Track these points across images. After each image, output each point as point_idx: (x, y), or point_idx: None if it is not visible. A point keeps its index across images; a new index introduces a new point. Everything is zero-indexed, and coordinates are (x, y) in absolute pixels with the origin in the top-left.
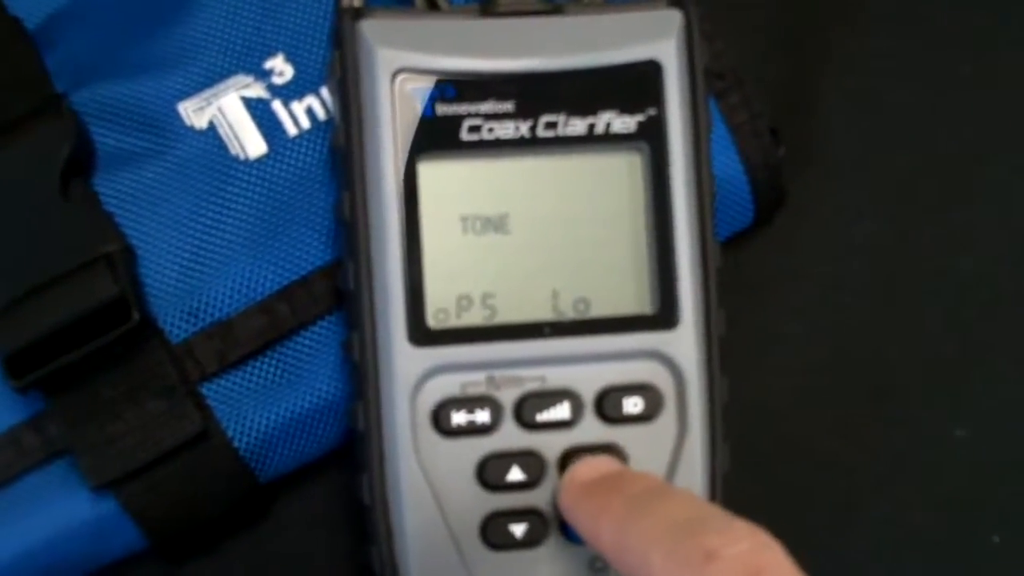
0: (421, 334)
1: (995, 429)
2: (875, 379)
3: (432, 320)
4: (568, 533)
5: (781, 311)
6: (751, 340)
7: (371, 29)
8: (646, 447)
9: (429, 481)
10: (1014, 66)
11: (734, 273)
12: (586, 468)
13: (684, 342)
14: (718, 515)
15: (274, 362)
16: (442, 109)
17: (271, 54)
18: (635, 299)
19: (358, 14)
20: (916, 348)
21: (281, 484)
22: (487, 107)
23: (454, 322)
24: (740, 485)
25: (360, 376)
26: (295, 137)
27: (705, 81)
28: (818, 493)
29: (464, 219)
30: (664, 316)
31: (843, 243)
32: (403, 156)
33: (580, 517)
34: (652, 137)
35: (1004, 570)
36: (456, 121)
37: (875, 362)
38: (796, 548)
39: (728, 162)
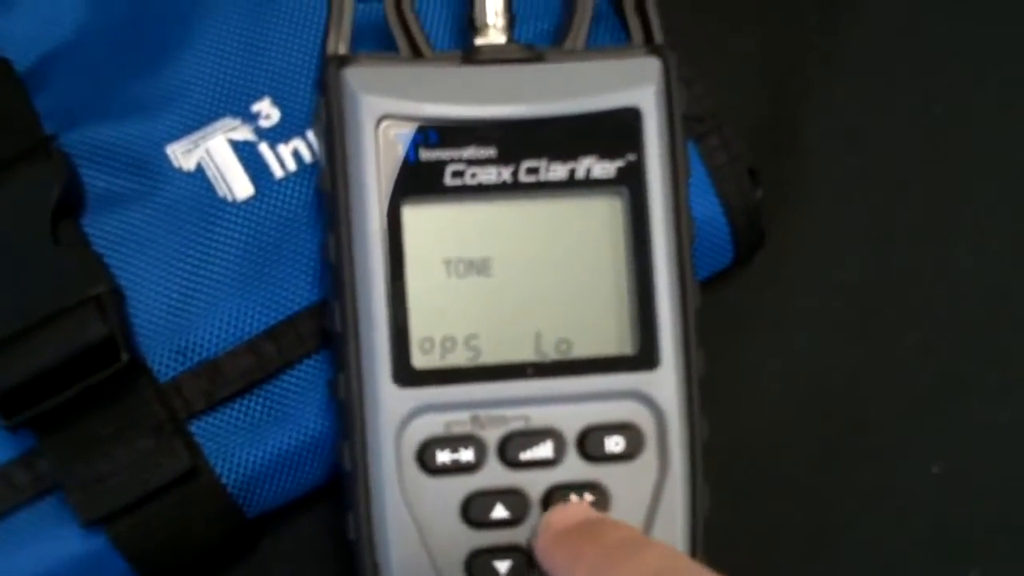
0: (406, 374)
1: (970, 464)
2: (853, 415)
3: (417, 361)
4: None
5: (760, 348)
6: (730, 377)
7: (355, 76)
8: (628, 485)
9: (414, 518)
10: (986, 105)
11: (714, 311)
12: (562, 515)
13: (664, 382)
14: (693, 568)
15: (261, 400)
16: (425, 155)
17: (258, 97)
18: (616, 340)
19: (343, 61)
20: (893, 384)
21: (269, 519)
22: (470, 153)
23: (439, 363)
24: (719, 519)
25: (346, 415)
26: (281, 179)
27: (684, 126)
28: (795, 527)
29: (448, 262)
30: (645, 357)
31: (821, 281)
32: (387, 200)
33: (555, 564)
34: (632, 182)
35: None
36: (439, 166)
37: (852, 398)
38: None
39: (707, 204)
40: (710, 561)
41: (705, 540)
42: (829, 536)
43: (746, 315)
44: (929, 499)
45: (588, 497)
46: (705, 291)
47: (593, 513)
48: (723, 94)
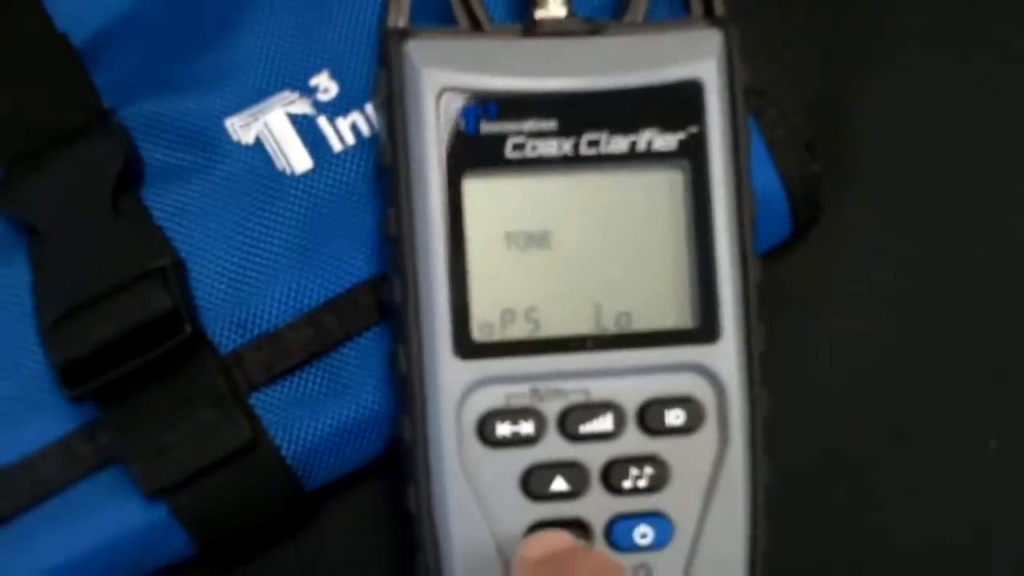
0: (466, 347)
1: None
2: (907, 391)
3: (477, 333)
4: (613, 542)
5: (813, 325)
6: (784, 353)
7: (416, 49)
8: (687, 459)
9: (474, 491)
10: None
11: (769, 287)
12: (537, 544)
13: (725, 356)
14: None
15: (321, 373)
16: (486, 127)
17: (316, 71)
18: (676, 313)
19: (404, 35)
20: (945, 363)
21: (327, 491)
22: (530, 125)
23: (498, 336)
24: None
25: (406, 388)
26: (340, 153)
27: (745, 99)
28: (850, 503)
29: (508, 235)
30: (705, 330)
31: (874, 257)
32: (448, 173)
33: None
34: (693, 154)
35: None
36: (500, 139)
37: (906, 374)
38: (818, 555)
39: (766, 177)
40: (769, 533)
41: (771, 511)
42: (885, 512)
43: (800, 291)
44: (986, 474)
45: (648, 470)
46: (764, 266)
47: (569, 542)
48: (777, 68)
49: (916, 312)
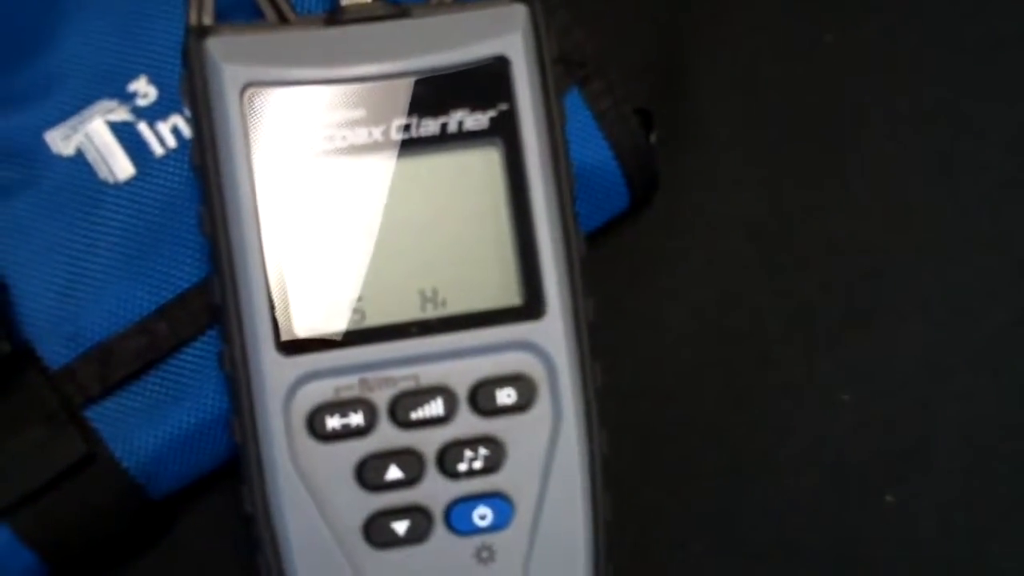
0: (289, 343)
1: (880, 391)
2: (759, 350)
3: (299, 328)
4: (453, 526)
5: (664, 290)
6: (635, 320)
7: (217, 46)
8: (523, 436)
9: (309, 486)
10: (876, 39)
11: (616, 256)
12: None
13: (552, 331)
14: None
15: (157, 381)
16: (294, 120)
17: (134, 77)
18: (501, 292)
19: (204, 32)
20: (798, 318)
21: (181, 498)
22: (339, 115)
23: (322, 329)
24: (628, 460)
25: (234, 388)
26: (162, 157)
27: (555, 72)
28: (707, 464)
29: (325, 226)
30: (531, 307)
31: (720, 221)
32: (258, 168)
33: None
34: (505, 132)
35: (898, 529)
36: (309, 130)
37: (757, 334)
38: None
39: (597, 149)
40: (619, 503)
41: (609, 482)
42: (743, 470)
43: (648, 257)
44: (840, 428)
45: (483, 450)
46: (605, 236)
47: None
48: (610, 37)
49: (763, 274)
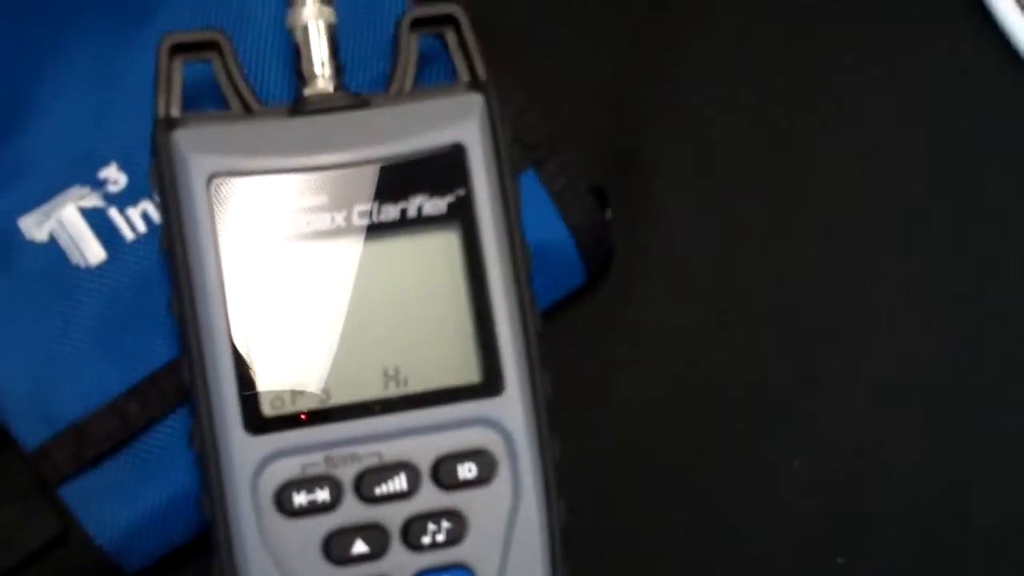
0: (257, 422)
1: (831, 455)
2: (714, 417)
3: (266, 408)
4: None
5: (620, 360)
6: (593, 390)
7: (184, 137)
8: (484, 509)
9: (277, 561)
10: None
11: (572, 329)
12: None
13: (511, 407)
14: None
15: (129, 459)
16: (258, 208)
17: (105, 163)
18: (461, 370)
19: (172, 124)
20: (750, 385)
21: (154, 573)
22: (302, 201)
23: (288, 408)
24: (587, 527)
25: (203, 466)
26: (132, 241)
27: (510, 155)
28: (664, 529)
29: (289, 310)
30: (490, 384)
31: (674, 290)
32: (223, 254)
33: None
34: (463, 216)
35: None
36: (274, 216)
37: (712, 400)
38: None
39: (553, 227)
40: (578, 571)
41: (569, 552)
42: (698, 536)
43: (605, 329)
44: (792, 492)
45: (445, 523)
46: (562, 309)
47: None
48: (568, 116)
49: (718, 341)
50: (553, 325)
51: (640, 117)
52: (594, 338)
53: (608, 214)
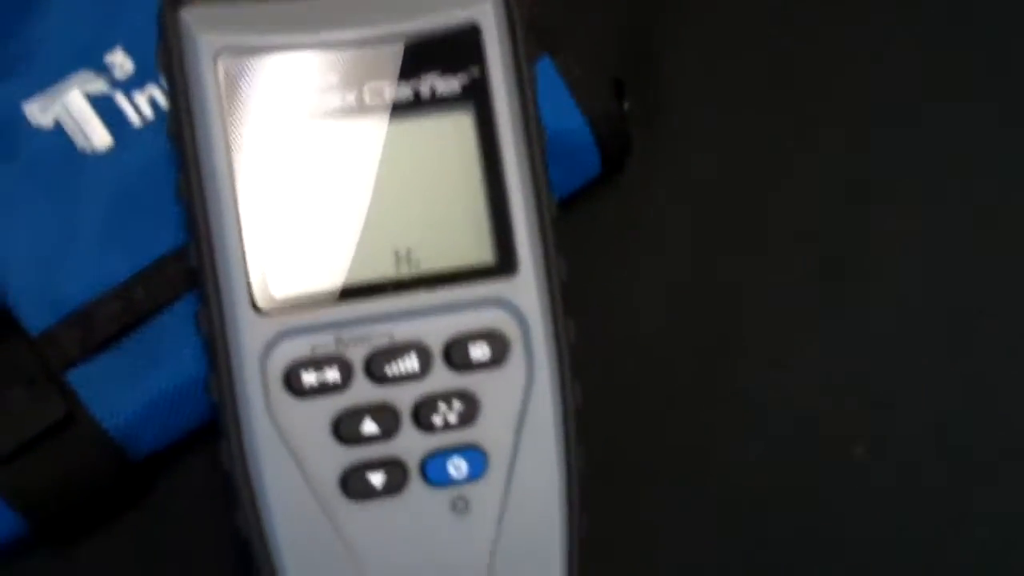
0: (265, 302)
1: (849, 350)
2: (729, 316)
3: (275, 288)
4: (428, 478)
5: (635, 256)
6: (612, 280)
7: (191, 15)
8: (496, 391)
9: (286, 441)
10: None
11: (588, 222)
12: None
13: (525, 288)
14: None
15: (136, 344)
16: (268, 86)
17: (111, 48)
18: (474, 250)
19: (179, 2)
20: (767, 282)
21: (161, 460)
22: (312, 81)
23: (297, 288)
24: (593, 422)
25: (211, 347)
26: (139, 127)
27: (526, 39)
28: (673, 425)
29: (301, 188)
30: (504, 265)
31: (691, 188)
32: (232, 134)
33: None
34: (477, 97)
35: (869, 480)
36: (283, 96)
37: (728, 300)
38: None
39: (569, 116)
40: (587, 458)
41: (582, 435)
42: (711, 431)
43: (620, 224)
44: (811, 385)
45: (457, 404)
46: (579, 202)
47: None
48: (582, 12)
49: (738, 233)
50: (569, 216)
51: (658, 16)
52: (610, 230)
53: (627, 105)
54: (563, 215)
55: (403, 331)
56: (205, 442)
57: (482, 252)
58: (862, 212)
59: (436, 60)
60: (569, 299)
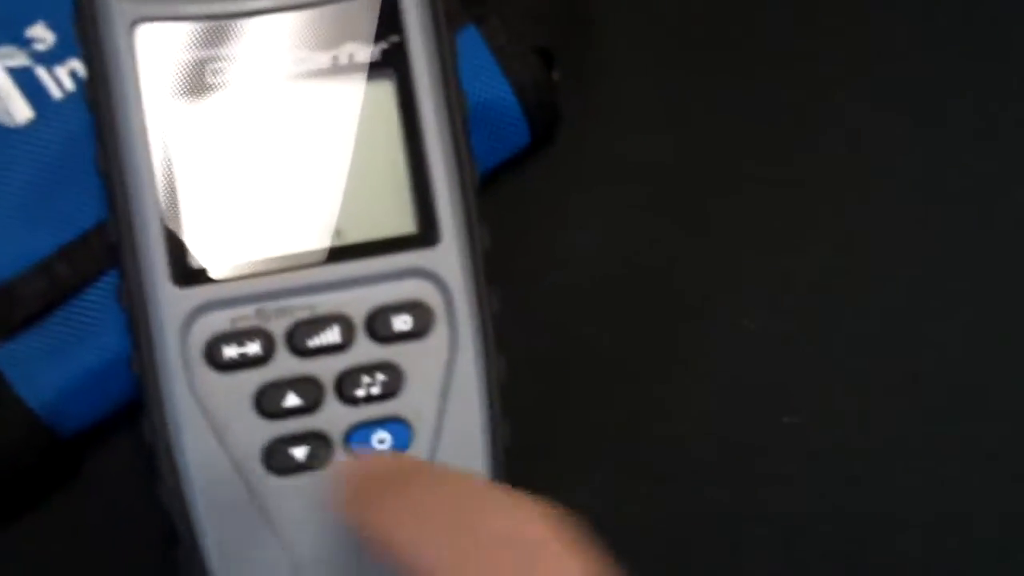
0: (185, 274)
1: (781, 321)
2: (660, 284)
3: (194, 260)
4: (353, 451)
5: (564, 228)
6: (538, 255)
7: None
8: (420, 363)
9: (208, 415)
10: None
11: (519, 191)
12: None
13: (447, 257)
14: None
15: (61, 321)
16: (184, 55)
17: (31, 22)
18: (396, 220)
19: None
20: (701, 254)
21: (88, 439)
22: (230, 49)
23: (216, 260)
24: (527, 391)
25: (132, 321)
26: (60, 100)
27: (447, 7)
28: (608, 394)
29: (218, 159)
30: (426, 234)
31: (621, 159)
32: (148, 103)
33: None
34: (397, 64)
35: (794, 450)
36: (199, 65)
37: (658, 267)
38: (587, 450)
39: (496, 85)
40: (516, 429)
41: (509, 408)
42: (643, 399)
43: (549, 196)
44: (744, 354)
45: (380, 376)
46: (506, 173)
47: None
48: None
49: (665, 209)
50: (498, 187)
51: None
52: (535, 204)
53: (556, 75)
54: (492, 185)
55: (325, 303)
56: (133, 420)
57: (403, 222)
58: (800, 181)
59: (354, 27)
60: (492, 269)
